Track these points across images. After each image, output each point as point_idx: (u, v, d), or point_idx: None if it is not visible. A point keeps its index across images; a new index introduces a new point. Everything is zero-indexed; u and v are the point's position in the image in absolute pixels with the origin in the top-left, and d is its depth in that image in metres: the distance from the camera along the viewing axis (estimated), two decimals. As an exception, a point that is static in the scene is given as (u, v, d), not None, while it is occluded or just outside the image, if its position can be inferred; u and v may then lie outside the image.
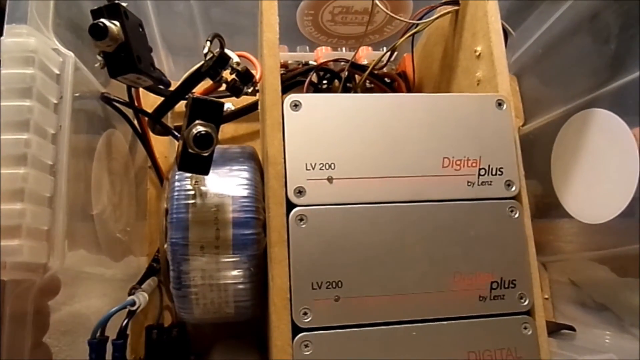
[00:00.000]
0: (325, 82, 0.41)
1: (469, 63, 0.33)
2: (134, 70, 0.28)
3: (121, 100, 0.33)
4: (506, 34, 0.32)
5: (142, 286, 0.35)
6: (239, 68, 0.30)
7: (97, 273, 0.33)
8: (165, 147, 0.44)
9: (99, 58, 0.28)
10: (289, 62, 0.42)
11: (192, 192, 0.28)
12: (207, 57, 0.29)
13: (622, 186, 0.33)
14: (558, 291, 0.44)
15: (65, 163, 0.26)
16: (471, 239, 0.27)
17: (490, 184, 0.28)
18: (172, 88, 0.34)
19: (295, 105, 0.27)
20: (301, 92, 0.38)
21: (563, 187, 0.40)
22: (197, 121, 0.25)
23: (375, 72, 0.40)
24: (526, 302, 0.27)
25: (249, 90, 0.31)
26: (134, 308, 0.30)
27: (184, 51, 0.46)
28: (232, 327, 0.36)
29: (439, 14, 0.34)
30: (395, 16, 0.36)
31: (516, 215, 0.28)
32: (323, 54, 0.42)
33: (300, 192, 0.26)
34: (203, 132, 0.24)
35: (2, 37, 0.25)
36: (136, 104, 0.35)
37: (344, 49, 0.45)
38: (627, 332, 0.36)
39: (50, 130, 0.26)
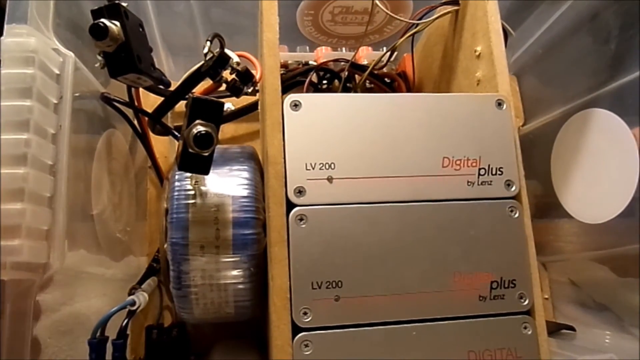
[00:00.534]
0: (325, 82, 0.40)
1: (468, 63, 0.33)
2: (134, 70, 0.28)
3: (121, 100, 0.33)
4: (506, 34, 0.32)
5: (142, 286, 0.35)
6: (239, 68, 0.30)
7: (97, 273, 0.33)
8: (165, 147, 0.44)
9: (99, 58, 0.28)
10: (289, 62, 0.42)
11: (192, 192, 0.28)
12: (207, 57, 0.29)
13: (622, 186, 0.33)
14: (558, 291, 0.44)
15: (65, 163, 0.26)
16: (471, 238, 0.27)
17: (490, 184, 0.28)
18: (172, 88, 0.34)
19: (295, 105, 0.27)
20: (301, 92, 0.38)
21: (563, 187, 0.40)
22: (197, 121, 0.25)
23: (375, 72, 0.40)
24: (526, 302, 0.27)
25: (249, 90, 0.31)
26: (134, 308, 0.30)
27: (184, 51, 0.46)
28: (232, 327, 0.36)
29: (439, 14, 0.34)
30: (395, 16, 0.35)
31: (516, 215, 0.28)
32: (323, 54, 0.42)
33: (300, 192, 0.26)
34: (203, 132, 0.25)
35: (2, 37, 0.25)
36: (136, 104, 0.35)
37: (344, 49, 0.45)
38: (627, 332, 0.36)
39: (50, 130, 0.26)
